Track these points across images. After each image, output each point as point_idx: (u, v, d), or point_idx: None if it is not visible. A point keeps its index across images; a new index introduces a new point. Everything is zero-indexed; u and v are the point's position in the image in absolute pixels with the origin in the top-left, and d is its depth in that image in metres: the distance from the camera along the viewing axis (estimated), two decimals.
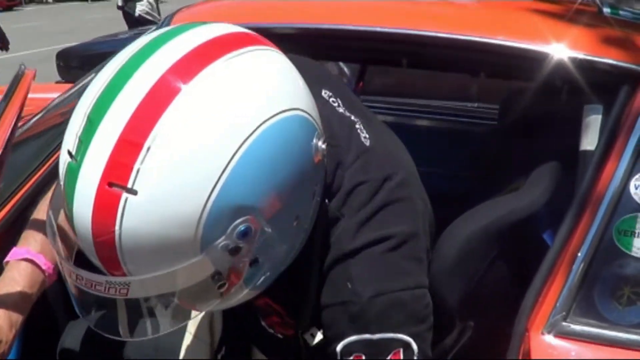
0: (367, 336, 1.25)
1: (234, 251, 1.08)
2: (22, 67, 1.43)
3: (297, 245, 1.23)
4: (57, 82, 6.24)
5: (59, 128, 2.03)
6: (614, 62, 1.54)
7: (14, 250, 1.46)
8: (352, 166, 1.31)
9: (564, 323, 1.43)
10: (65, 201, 1.06)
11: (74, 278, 1.09)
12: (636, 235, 1.42)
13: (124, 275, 1.06)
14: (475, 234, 1.57)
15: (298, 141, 1.13)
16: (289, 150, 1.11)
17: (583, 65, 1.56)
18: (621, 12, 1.90)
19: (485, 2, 2.06)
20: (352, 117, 1.40)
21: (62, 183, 1.08)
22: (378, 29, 1.73)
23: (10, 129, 1.20)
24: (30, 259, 1.42)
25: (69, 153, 1.05)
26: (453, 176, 2.66)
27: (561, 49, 1.59)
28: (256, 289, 1.21)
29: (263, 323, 1.55)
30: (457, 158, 2.68)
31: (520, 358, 1.43)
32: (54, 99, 2.48)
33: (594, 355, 1.41)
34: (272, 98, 1.10)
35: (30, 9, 25.45)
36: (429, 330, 1.33)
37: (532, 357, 1.41)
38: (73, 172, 1.03)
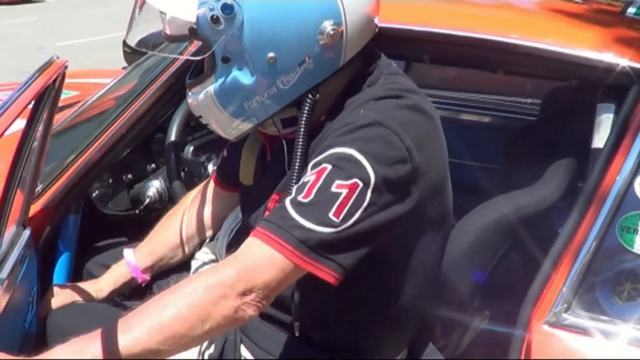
0: (346, 150, 1.36)
1: (214, 20, 1.40)
2: (54, 57, 1.52)
3: (262, 91, 1.46)
4: (124, 68, 6.40)
5: (108, 112, 2.15)
6: (626, 62, 1.57)
7: (128, 251, 1.94)
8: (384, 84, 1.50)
9: (565, 315, 1.47)
10: None
11: None
12: (639, 232, 1.45)
13: None
14: (488, 226, 1.63)
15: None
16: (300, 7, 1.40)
17: (596, 65, 1.59)
18: None
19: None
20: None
21: None
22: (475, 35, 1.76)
23: (16, 114, 1.28)
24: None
25: None
26: (485, 168, 2.69)
27: (579, 48, 1.62)
28: (228, 110, 1.50)
29: None
30: (492, 151, 2.70)
31: (523, 347, 1.48)
32: (107, 84, 2.61)
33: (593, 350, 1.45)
34: None
35: None
36: (390, 196, 1.38)
37: (533, 347, 1.46)
38: None
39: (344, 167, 1.34)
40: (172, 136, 2.36)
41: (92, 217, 2.24)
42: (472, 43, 1.71)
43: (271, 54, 1.41)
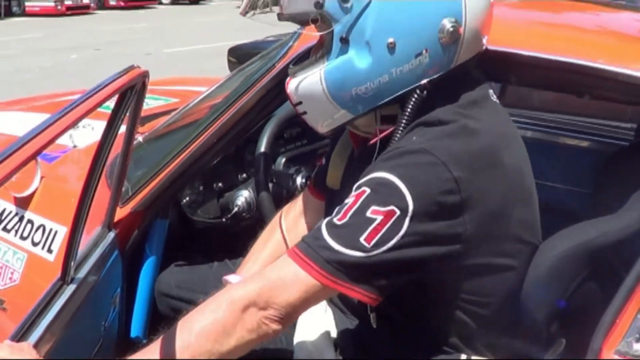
0: (386, 175, 1.35)
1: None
2: (134, 65, 1.58)
3: (374, 78, 1.45)
4: None
5: (200, 120, 2.22)
6: None
7: (232, 276, 1.84)
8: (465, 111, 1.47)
9: (637, 345, 1.44)
10: None
11: None
12: None
13: None
14: (566, 253, 1.61)
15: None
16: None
17: None
18: None
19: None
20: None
21: None
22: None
23: (80, 114, 1.34)
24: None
25: None
26: (577, 192, 2.66)
27: None
28: (334, 96, 1.49)
29: None
30: (585, 174, 2.66)
31: None
32: (202, 92, 2.69)
33: None
34: None
35: (214, 4, 26.56)
36: (431, 230, 1.36)
37: None
38: None
39: (382, 192, 1.34)
40: (262, 147, 2.39)
41: (181, 223, 2.31)
42: (558, 66, 1.68)
43: (391, 39, 1.41)
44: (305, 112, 1.57)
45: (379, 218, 1.32)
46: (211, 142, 2.10)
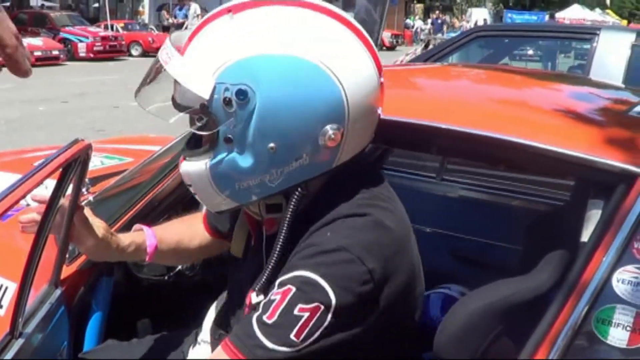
0: (310, 275, 1.44)
1: (227, 101, 1.46)
2: (79, 138, 1.71)
3: (255, 176, 1.54)
4: None
5: (146, 181, 2.33)
6: (615, 163, 1.66)
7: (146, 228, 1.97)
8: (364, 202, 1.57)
9: None
10: None
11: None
12: (613, 324, 1.54)
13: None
14: (478, 311, 1.73)
15: (320, 99, 1.49)
16: (305, 94, 1.47)
17: (586, 164, 1.69)
18: None
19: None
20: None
21: None
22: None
23: (31, 186, 1.50)
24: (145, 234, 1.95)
25: None
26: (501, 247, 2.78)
27: (566, 148, 1.72)
28: (218, 186, 1.57)
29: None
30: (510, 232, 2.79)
31: None
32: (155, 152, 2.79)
33: None
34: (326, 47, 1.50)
35: None
36: (351, 315, 1.47)
37: None
38: None
39: (307, 291, 1.43)
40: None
41: (128, 281, 2.40)
42: (472, 139, 1.82)
43: (272, 144, 1.49)
44: (195, 193, 1.65)
45: (306, 315, 1.42)
46: (156, 202, 2.22)
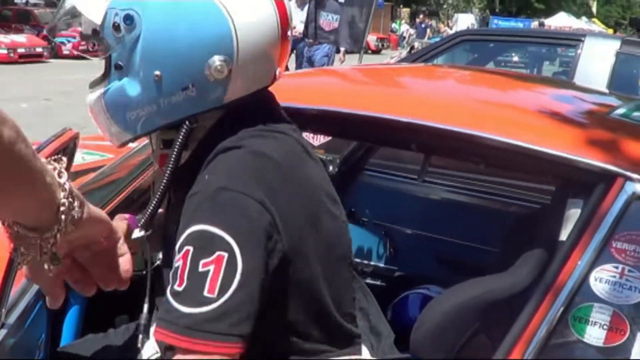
0: (200, 227, 1.35)
1: (115, 26, 1.45)
2: (66, 128, 1.69)
3: (144, 106, 1.50)
4: None
5: (122, 178, 2.32)
6: (594, 162, 1.67)
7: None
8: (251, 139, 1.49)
9: None
10: None
11: None
12: (590, 323, 1.54)
13: None
14: (453, 309, 1.73)
15: (206, 28, 1.45)
16: (190, 22, 1.45)
17: (566, 163, 1.70)
18: (633, 114, 2.03)
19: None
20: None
21: None
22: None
23: None
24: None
25: None
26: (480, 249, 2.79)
27: (547, 147, 1.72)
28: (112, 116, 1.54)
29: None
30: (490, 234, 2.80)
31: None
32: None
33: None
34: None
35: None
36: (263, 256, 1.37)
37: None
38: None
39: (203, 245, 1.35)
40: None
41: None
42: (455, 137, 1.82)
43: (157, 72, 1.46)
44: (97, 125, 1.61)
45: (212, 267, 1.33)
46: (135, 196, 2.21)
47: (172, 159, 1.51)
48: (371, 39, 32.05)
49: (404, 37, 40.07)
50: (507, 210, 3.05)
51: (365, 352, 1.66)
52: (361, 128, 1.98)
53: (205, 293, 1.32)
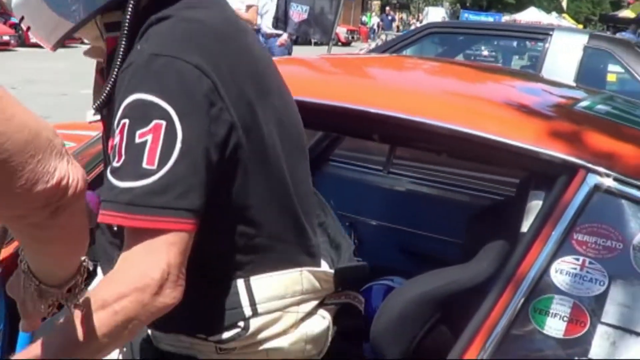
0: (134, 97, 1.28)
1: None
2: None
3: None
4: None
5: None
6: (556, 154, 1.66)
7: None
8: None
9: None
10: None
11: None
12: (551, 314, 1.54)
13: None
14: (415, 299, 1.73)
15: None
16: None
17: (529, 154, 1.69)
18: (597, 107, 2.03)
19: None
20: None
21: None
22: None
23: None
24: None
25: None
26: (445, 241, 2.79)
27: (510, 138, 1.71)
28: (52, 4, 1.42)
29: None
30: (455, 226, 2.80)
31: None
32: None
33: None
34: None
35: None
36: (204, 122, 1.30)
37: None
38: None
39: (138, 114, 1.27)
40: None
41: None
42: (420, 128, 1.81)
43: None
44: (29, 27, 1.49)
45: (149, 137, 1.25)
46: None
47: (125, 36, 1.39)
48: (341, 31, 32.06)
49: (374, 30, 40.15)
50: (472, 203, 3.05)
51: (324, 266, 1.60)
52: (327, 118, 1.96)
53: (144, 165, 1.24)
